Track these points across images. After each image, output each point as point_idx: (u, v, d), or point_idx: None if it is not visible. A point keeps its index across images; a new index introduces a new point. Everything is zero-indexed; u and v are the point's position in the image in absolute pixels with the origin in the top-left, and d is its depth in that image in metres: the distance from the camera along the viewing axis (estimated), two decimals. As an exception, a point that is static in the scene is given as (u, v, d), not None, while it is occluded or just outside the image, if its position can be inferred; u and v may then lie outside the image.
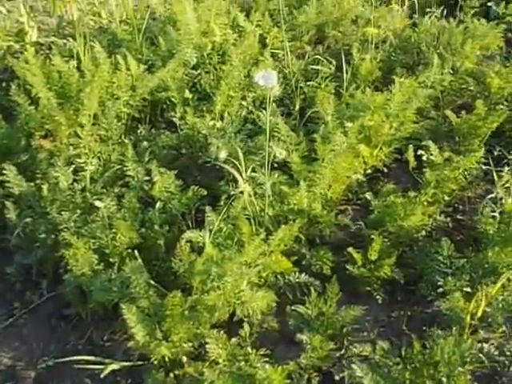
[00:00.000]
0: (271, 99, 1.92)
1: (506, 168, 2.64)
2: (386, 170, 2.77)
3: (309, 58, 3.32)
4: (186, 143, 2.74)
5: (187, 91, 2.84)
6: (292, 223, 2.08)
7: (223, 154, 2.02)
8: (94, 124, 2.69)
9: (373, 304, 2.19)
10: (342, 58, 3.06)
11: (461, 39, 3.58)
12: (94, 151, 2.57)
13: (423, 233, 2.36)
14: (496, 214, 2.34)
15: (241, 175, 2.06)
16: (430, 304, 2.19)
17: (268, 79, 1.79)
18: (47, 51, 3.49)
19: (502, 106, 3.10)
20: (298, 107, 2.95)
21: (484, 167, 2.79)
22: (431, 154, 2.55)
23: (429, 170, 2.47)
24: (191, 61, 3.07)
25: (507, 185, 2.56)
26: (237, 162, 2.11)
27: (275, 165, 2.35)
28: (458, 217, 2.66)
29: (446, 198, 2.51)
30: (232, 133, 2.52)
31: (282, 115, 2.83)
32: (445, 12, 4.30)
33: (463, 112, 2.99)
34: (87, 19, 3.96)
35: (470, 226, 2.58)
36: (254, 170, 2.20)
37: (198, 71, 3.12)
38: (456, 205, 2.71)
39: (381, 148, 2.62)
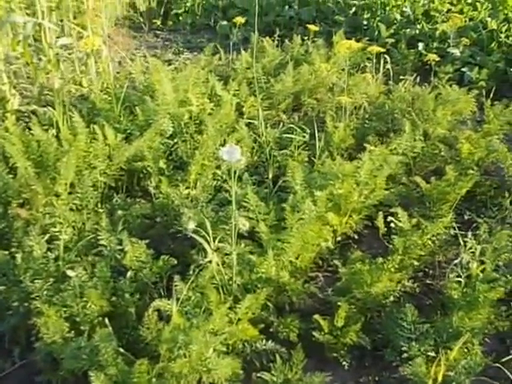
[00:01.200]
0: (237, 173, 1.98)
1: (470, 233, 2.68)
2: (357, 236, 2.81)
3: (284, 126, 3.42)
4: (160, 212, 2.79)
5: (162, 161, 2.91)
6: (259, 292, 2.12)
7: (192, 225, 2.07)
8: (70, 193, 2.74)
9: (340, 370, 2.20)
10: (315, 127, 3.15)
11: (433, 105, 3.70)
12: (69, 220, 2.61)
13: (391, 298, 2.39)
14: (461, 279, 2.39)
15: (209, 245, 2.11)
16: (397, 369, 2.20)
17: (232, 154, 1.86)
18: (28, 119, 3.57)
19: (472, 171, 3.19)
20: (271, 176, 3.03)
21: (455, 231, 2.84)
22: (399, 221, 2.60)
23: (397, 237, 2.51)
24: (168, 130, 3.15)
25: (473, 249, 2.60)
26: (205, 233, 2.16)
27: (245, 233, 2.41)
28: (428, 281, 2.69)
29: (416, 263, 2.55)
30: (204, 202, 2.58)
31: (255, 184, 2.91)
32: (419, 78, 4.46)
33: (436, 176, 3.07)
34: (68, 87, 4.06)
35: (438, 291, 2.62)
36: (222, 240, 2.24)
37: (175, 140, 3.20)
38: (426, 269, 2.75)
39: (350, 215, 2.68)
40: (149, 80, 3.79)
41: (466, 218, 3.12)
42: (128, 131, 3.25)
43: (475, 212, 3.16)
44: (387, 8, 6.50)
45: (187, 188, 2.84)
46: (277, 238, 2.34)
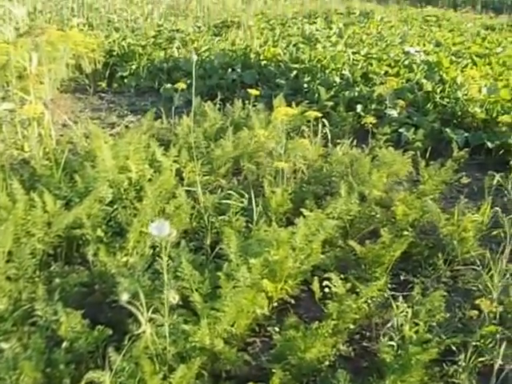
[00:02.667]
0: (168, 248, 2.01)
1: (401, 296, 2.74)
2: (294, 301, 2.83)
3: (223, 191, 3.47)
4: (99, 279, 2.78)
5: (100, 229, 2.92)
6: (193, 361, 2.13)
7: (125, 296, 2.08)
8: (7, 261, 2.73)
9: None
10: (251, 192, 3.22)
11: (369, 168, 3.79)
12: (5, 290, 2.59)
13: (326, 363, 2.41)
14: (394, 342, 2.43)
15: (143, 315, 2.12)
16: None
17: (161, 229, 1.90)
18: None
19: (407, 232, 3.27)
20: (208, 242, 3.07)
21: (390, 293, 2.90)
22: (334, 286, 2.65)
23: (331, 302, 2.56)
24: (107, 197, 3.17)
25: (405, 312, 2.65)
26: (140, 303, 2.17)
27: (181, 302, 2.42)
28: (365, 344, 2.73)
29: (351, 326, 2.59)
30: (141, 271, 2.59)
31: (193, 250, 2.95)
32: (358, 140, 4.59)
33: (372, 239, 3.16)
34: (10, 152, 4.06)
35: (374, 353, 2.65)
36: (156, 310, 2.25)
37: (115, 206, 3.22)
38: (363, 331, 2.79)
39: (286, 281, 2.72)
40: (90, 146, 3.81)
41: (402, 278, 3.17)
42: (68, 198, 3.25)
43: (411, 272, 3.22)
44: (327, 71, 6.70)
45: (125, 255, 2.86)
46: (211, 306, 2.36)
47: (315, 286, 2.73)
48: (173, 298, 2.03)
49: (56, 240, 2.98)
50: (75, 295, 2.66)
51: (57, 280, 2.72)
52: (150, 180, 3.40)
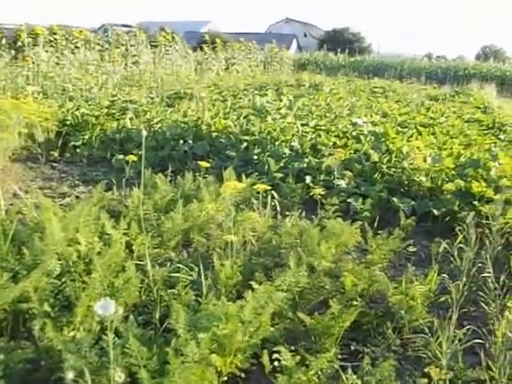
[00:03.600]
0: (113, 327, 2.00)
1: (349, 366, 2.76)
2: (244, 374, 2.81)
3: (172, 264, 3.47)
4: (45, 355, 2.73)
5: (46, 304, 2.88)
6: None
7: (71, 375, 2.06)
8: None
9: None
10: (200, 266, 3.23)
11: (318, 239, 3.84)
12: None
13: None
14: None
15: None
16: None
17: (106, 308, 1.90)
18: None
19: (356, 302, 3.31)
20: (158, 316, 3.05)
21: (339, 364, 2.91)
22: (283, 359, 2.66)
23: (280, 375, 2.56)
24: (55, 270, 3.14)
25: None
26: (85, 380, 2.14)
27: (128, 379, 2.40)
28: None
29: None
30: (88, 347, 2.55)
31: (142, 325, 2.92)
32: (308, 211, 4.66)
33: (322, 310, 3.18)
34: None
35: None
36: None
37: (64, 279, 3.18)
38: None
39: (236, 355, 2.71)
40: (39, 217, 3.79)
41: (352, 348, 3.19)
42: (15, 270, 3.20)
43: (361, 342, 3.24)
44: (277, 143, 6.83)
45: (73, 330, 2.81)
46: (159, 383, 2.34)
47: (265, 359, 2.73)
48: (118, 376, 2.01)
49: (2, 314, 2.93)
50: (20, 372, 2.61)
51: (1, 356, 2.66)
52: (99, 253, 3.37)
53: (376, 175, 6.01)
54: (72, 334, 2.77)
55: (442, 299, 3.55)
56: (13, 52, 11.46)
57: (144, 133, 3.76)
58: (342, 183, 5.62)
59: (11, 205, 4.59)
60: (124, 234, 3.70)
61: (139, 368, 2.39)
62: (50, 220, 3.39)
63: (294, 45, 52.39)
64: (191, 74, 15.51)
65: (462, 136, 8.53)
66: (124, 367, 2.40)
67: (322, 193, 4.71)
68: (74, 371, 2.16)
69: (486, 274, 3.74)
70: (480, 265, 3.97)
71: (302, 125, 7.98)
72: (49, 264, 3.12)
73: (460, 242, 4.11)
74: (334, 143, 6.96)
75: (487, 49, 61.18)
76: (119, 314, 1.97)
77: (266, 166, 6.07)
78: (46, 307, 2.89)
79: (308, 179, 5.75)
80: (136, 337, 2.56)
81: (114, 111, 8.61)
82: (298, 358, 2.68)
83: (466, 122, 10.68)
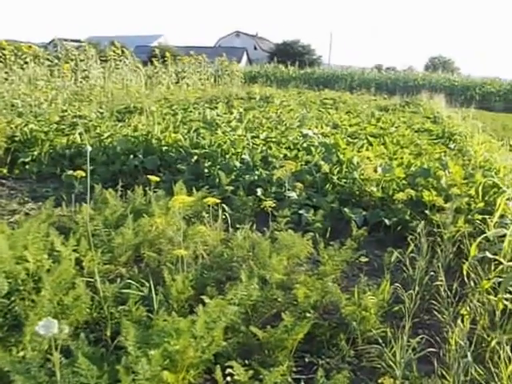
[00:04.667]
0: (59, 347, 1.96)
1: (303, 379, 2.75)
2: (196, 390, 2.80)
3: (123, 280, 3.42)
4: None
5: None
6: None
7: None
8: None
9: None
10: (150, 281, 3.20)
11: (269, 251, 3.83)
12: None
13: None
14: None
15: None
16: None
17: (49, 328, 1.86)
18: None
19: (309, 314, 3.30)
20: (109, 333, 3.00)
21: (293, 377, 2.90)
22: (236, 374, 2.63)
23: (234, 391, 2.54)
24: (2, 289, 3.07)
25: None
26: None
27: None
28: None
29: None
30: (37, 366, 2.49)
31: (92, 342, 2.87)
32: (259, 223, 4.65)
33: (276, 321, 3.17)
34: None
35: None
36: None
37: (13, 298, 3.11)
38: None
39: (188, 371, 2.68)
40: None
41: (306, 360, 3.18)
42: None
43: (315, 354, 3.24)
44: (227, 156, 6.83)
45: (22, 349, 2.75)
46: (110, 403, 2.30)
47: (218, 374, 2.70)
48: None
49: None
50: (-34, 396, 2.53)
51: None
52: (48, 270, 3.32)
53: (327, 186, 6.05)
54: (21, 354, 2.71)
55: (396, 308, 3.59)
56: (-41, 68, 11.27)
57: (89, 148, 3.72)
58: (293, 195, 5.63)
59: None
60: (74, 250, 3.65)
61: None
62: (-3, 238, 3.33)
63: (245, 58, 52.72)
64: (141, 89, 15.44)
65: (412, 146, 8.67)
66: (73, 387, 2.35)
67: (273, 205, 4.71)
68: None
69: (438, 283, 3.79)
70: (432, 273, 4.02)
71: (253, 137, 7.99)
72: (-5, 284, 3.05)
73: (412, 251, 4.17)
74: (285, 155, 6.99)
75: (436, 59, 62.45)
76: (65, 333, 1.92)
77: (217, 179, 6.06)
78: (-7, 328, 2.82)
79: (259, 191, 5.75)
80: (87, 355, 2.51)
81: (63, 127, 8.50)
82: (251, 372, 2.68)
83: (416, 131, 10.86)
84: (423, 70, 45.96)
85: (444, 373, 2.91)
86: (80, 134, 7.92)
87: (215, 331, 2.79)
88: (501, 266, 3.67)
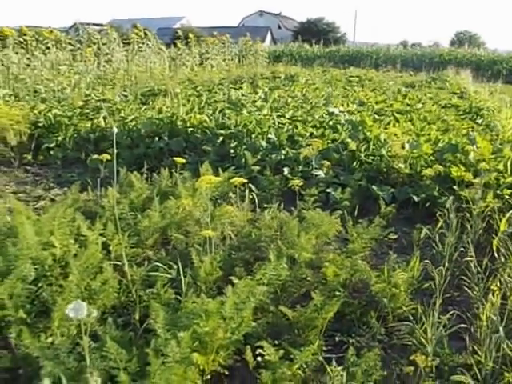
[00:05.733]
0: (93, 327, 1.95)
1: (334, 358, 2.72)
2: (228, 372, 2.75)
3: (150, 263, 3.41)
4: (23, 363, 2.66)
5: (22, 310, 2.81)
6: None
7: (47, 382, 2.00)
8: None
9: None
10: (178, 264, 3.18)
11: (297, 231, 3.79)
12: None
13: None
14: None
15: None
16: None
17: (78, 311, 1.84)
18: None
19: (338, 293, 3.27)
20: (137, 317, 2.99)
21: (324, 356, 2.87)
22: (267, 354, 2.61)
23: (264, 371, 2.52)
24: (30, 276, 3.07)
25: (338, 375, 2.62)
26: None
27: (109, 382, 2.34)
28: (303, 413, 2.69)
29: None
30: (66, 352, 2.49)
31: (121, 326, 2.87)
32: (287, 203, 4.62)
33: (306, 301, 3.13)
34: None
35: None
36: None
37: (40, 284, 3.11)
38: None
39: (218, 352, 2.66)
40: (12, 222, 3.70)
41: (336, 339, 3.16)
42: (-11, 279, 3.13)
43: (346, 332, 3.21)
44: (253, 136, 6.77)
45: (50, 335, 2.75)
46: (140, 385, 2.28)
47: (248, 355, 2.69)
48: (95, 381, 1.96)
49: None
50: (-3, 382, 2.54)
51: (-24, 367, 2.60)
52: (75, 255, 3.31)
53: (354, 164, 5.98)
54: (49, 339, 2.71)
55: (426, 285, 3.55)
56: (-19, 55, 11.30)
57: (115, 129, 3.69)
58: (321, 173, 5.58)
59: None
60: (100, 234, 3.64)
61: (119, 371, 2.33)
62: (22, 224, 3.33)
63: (269, 37, 52.47)
64: (165, 71, 15.38)
65: (439, 122, 8.54)
66: (103, 371, 2.34)
67: (301, 184, 4.66)
68: (52, 378, 2.10)
69: (468, 258, 3.73)
70: (462, 249, 3.96)
71: (279, 116, 7.93)
72: (23, 269, 3.05)
73: (441, 228, 4.11)
74: (311, 133, 6.92)
75: (461, 34, 61.63)
76: (94, 316, 1.91)
77: (243, 160, 6.02)
78: (22, 314, 2.82)
79: (286, 171, 5.71)
80: (115, 339, 2.50)
81: (87, 111, 8.49)
82: (281, 352, 2.64)
83: (443, 107, 10.70)
84: (449, 46, 45.40)
85: (476, 348, 2.87)
86: (104, 117, 7.92)
87: (244, 312, 2.77)
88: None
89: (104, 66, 14.10)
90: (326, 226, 4.01)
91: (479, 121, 9.24)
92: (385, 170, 5.82)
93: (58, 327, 2.79)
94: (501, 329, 2.82)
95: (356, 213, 4.66)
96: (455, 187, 5.11)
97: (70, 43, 13.61)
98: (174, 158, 4.79)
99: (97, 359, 2.38)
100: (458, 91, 14.05)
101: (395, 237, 4.32)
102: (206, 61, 18.90)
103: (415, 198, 5.18)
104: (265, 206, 4.51)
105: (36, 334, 2.73)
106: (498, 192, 4.94)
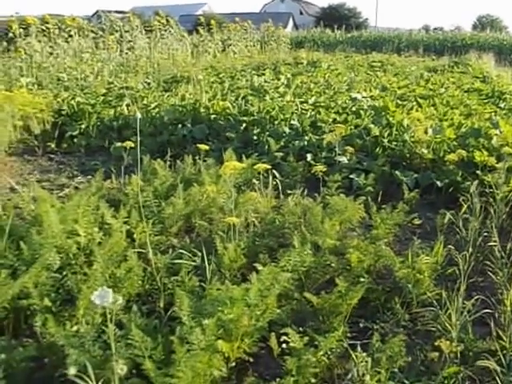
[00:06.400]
0: (117, 316, 1.96)
1: (359, 344, 2.71)
2: (252, 359, 2.75)
3: (174, 250, 3.42)
4: (48, 352, 2.68)
5: (47, 299, 2.83)
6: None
7: (73, 370, 2.01)
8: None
9: None
10: (202, 251, 3.18)
11: (321, 217, 3.78)
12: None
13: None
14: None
15: (91, 389, 2.04)
16: None
17: (104, 298, 1.85)
18: None
19: (362, 279, 3.26)
20: (162, 305, 3.00)
21: (349, 342, 2.86)
22: (291, 341, 2.61)
23: (289, 358, 2.52)
24: (54, 264, 3.09)
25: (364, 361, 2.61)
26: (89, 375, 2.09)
27: (134, 370, 2.36)
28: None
29: (312, 380, 2.53)
30: (91, 340, 2.50)
31: (145, 314, 2.88)
32: (310, 189, 4.61)
33: (330, 287, 3.13)
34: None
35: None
36: (107, 381, 2.18)
37: (65, 272, 3.13)
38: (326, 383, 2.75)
39: (243, 339, 2.66)
40: (36, 210, 3.73)
41: (361, 326, 3.15)
42: (14, 266, 3.14)
43: (370, 319, 3.21)
44: (276, 122, 6.75)
45: (76, 324, 2.76)
46: (165, 373, 2.29)
47: (273, 342, 2.69)
48: (120, 369, 1.97)
49: (2, 312, 2.88)
50: (23, 371, 2.56)
51: (2, 356, 2.61)
52: (99, 243, 3.33)
53: (377, 149, 5.93)
54: (75, 328, 2.72)
55: (450, 271, 3.53)
56: (4, 43, 11.37)
57: (138, 115, 3.71)
58: (344, 159, 5.56)
59: (8, 199, 4.54)
60: (124, 222, 3.65)
61: (144, 359, 2.34)
62: (47, 212, 3.35)
63: (291, 23, 52.14)
64: (188, 58, 15.40)
65: (462, 106, 8.44)
66: (128, 359, 2.35)
67: (324, 170, 4.64)
68: (78, 366, 2.12)
69: (492, 244, 3.70)
70: (486, 234, 3.94)
71: (301, 102, 7.90)
72: (48, 258, 3.07)
73: (465, 213, 4.08)
74: (334, 119, 6.88)
75: (483, 18, 60.82)
76: (119, 304, 1.92)
77: (266, 146, 6.02)
78: (47, 302, 2.84)
79: (309, 157, 5.69)
80: (140, 327, 2.52)
81: (110, 99, 8.52)
82: (306, 338, 2.64)
83: (466, 92, 10.56)
84: (471, 30, 44.81)
85: (500, 334, 2.85)
86: (127, 105, 7.94)
87: (269, 299, 2.77)
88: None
89: (126, 53, 14.13)
90: (350, 212, 4.00)
91: (502, 105, 9.11)
92: (408, 155, 5.77)
93: (83, 315, 2.80)
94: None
95: (379, 198, 4.64)
96: (478, 172, 5.06)
97: (92, 31, 13.66)
98: (198, 145, 4.80)
99: (122, 347, 2.39)
100: (481, 75, 13.86)
101: (419, 222, 4.30)
102: (229, 47, 18.87)
103: (438, 183, 5.15)
104: (288, 192, 4.50)
105: (61, 322, 2.75)
106: (522, 176, 4.86)
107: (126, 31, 14.51)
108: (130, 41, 14.55)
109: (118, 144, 6.30)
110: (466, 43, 29.29)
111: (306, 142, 6.09)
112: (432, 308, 3.13)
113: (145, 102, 8.23)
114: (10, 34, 11.09)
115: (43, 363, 2.71)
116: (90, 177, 5.53)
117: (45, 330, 2.70)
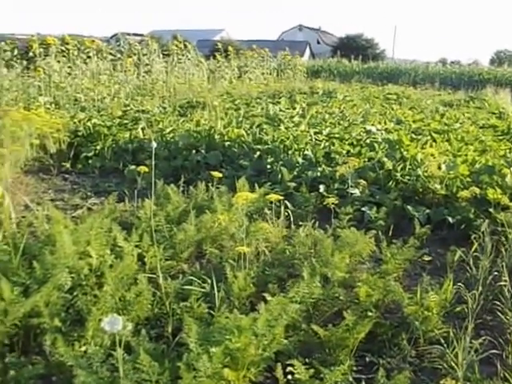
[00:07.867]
0: (127, 339, 1.98)
1: (364, 378, 2.72)
2: (256, 388, 2.78)
3: (185, 276, 3.44)
4: (56, 371, 2.71)
5: (57, 318, 2.86)
6: None
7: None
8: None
9: None
10: (212, 278, 3.20)
11: (331, 249, 3.80)
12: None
13: None
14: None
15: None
16: None
17: (114, 324, 1.88)
18: None
19: (370, 313, 3.26)
20: (170, 330, 3.02)
21: (354, 376, 2.87)
22: (297, 372, 2.62)
23: (295, 389, 2.53)
24: (66, 284, 3.12)
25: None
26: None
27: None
28: None
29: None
30: (99, 362, 2.52)
31: (154, 338, 2.90)
32: (322, 220, 4.62)
33: (338, 320, 3.14)
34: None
35: None
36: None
37: (75, 293, 3.16)
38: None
39: (249, 369, 2.67)
40: (50, 230, 3.77)
41: (367, 360, 3.14)
42: (26, 284, 3.18)
43: (376, 353, 3.19)
44: (290, 152, 6.79)
45: (84, 344, 2.79)
46: (171, 399, 2.31)
47: (279, 372, 2.69)
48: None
49: (12, 329, 2.90)
50: (31, 389, 2.59)
51: (12, 372, 2.65)
52: (110, 266, 3.36)
53: (390, 183, 5.95)
54: (83, 348, 2.75)
55: (458, 309, 3.53)
56: (24, 62, 11.52)
57: (154, 144, 3.74)
58: (356, 192, 5.57)
59: (23, 217, 4.58)
60: (136, 246, 3.69)
61: (151, 383, 2.36)
62: (60, 233, 3.39)
63: (308, 52, 52.46)
64: (204, 83, 15.51)
65: (476, 142, 8.44)
66: (136, 382, 2.37)
67: (336, 202, 4.67)
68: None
69: (502, 283, 3.68)
70: (496, 273, 3.92)
71: (316, 133, 7.93)
72: (60, 278, 3.11)
73: (476, 250, 4.07)
74: (348, 151, 6.91)
75: (501, 53, 60.88)
76: (128, 330, 1.94)
77: (280, 175, 6.05)
78: (57, 322, 2.87)
79: (322, 188, 5.71)
80: (148, 351, 2.53)
81: (126, 121, 8.61)
82: (312, 370, 2.65)
83: (481, 127, 10.55)
84: (488, 64, 44.90)
85: (507, 375, 2.84)
86: (142, 128, 8.01)
87: (276, 329, 2.78)
88: None
89: (144, 76, 14.26)
90: (360, 246, 4.01)
91: (517, 142, 9.11)
92: (420, 190, 5.78)
93: (92, 337, 2.83)
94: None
95: (390, 232, 4.64)
96: (491, 210, 5.06)
97: (110, 53, 13.80)
98: (211, 172, 4.83)
99: (129, 370, 2.42)
100: (497, 111, 13.86)
101: (429, 258, 4.31)
102: (245, 74, 19.01)
103: (450, 219, 5.14)
104: (300, 223, 4.52)
105: (70, 342, 2.79)
106: (535, 217, 4.86)
107: (143, 54, 14.64)
108: (147, 64, 14.69)
109: (132, 167, 6.36)
110: (483, 78, 29.31)
111: (319, 173, 6.11)
112: (439, 346, 3.12)
113: (160, 126, 8.30)
114: (31, 54, 11.24)
115: (51, 382, 2.73)
116: (103, 198, 5.57)
117: (54, 349, 2.73)
